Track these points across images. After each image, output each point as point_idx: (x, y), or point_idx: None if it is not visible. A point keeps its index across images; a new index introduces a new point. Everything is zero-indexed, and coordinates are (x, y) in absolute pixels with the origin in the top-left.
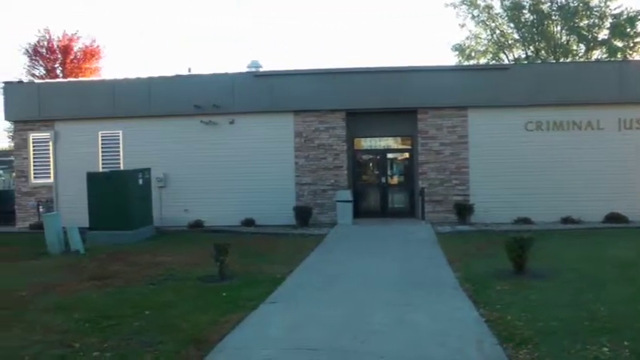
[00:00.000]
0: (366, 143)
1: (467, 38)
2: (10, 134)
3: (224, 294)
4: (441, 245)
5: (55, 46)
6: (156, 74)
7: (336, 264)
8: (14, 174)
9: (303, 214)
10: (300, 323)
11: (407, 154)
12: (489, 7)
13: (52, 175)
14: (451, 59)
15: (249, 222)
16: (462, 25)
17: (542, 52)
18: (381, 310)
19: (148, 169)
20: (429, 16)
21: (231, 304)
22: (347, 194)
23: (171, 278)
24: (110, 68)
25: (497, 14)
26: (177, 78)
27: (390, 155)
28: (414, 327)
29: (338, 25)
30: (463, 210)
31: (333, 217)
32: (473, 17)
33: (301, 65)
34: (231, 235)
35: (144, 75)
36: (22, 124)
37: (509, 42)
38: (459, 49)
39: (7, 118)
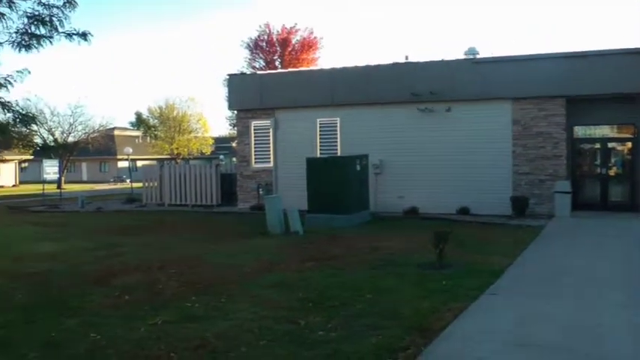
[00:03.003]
0: (586, 132)
1: None
2: (232, 122)
3: (444, 282)
4: None
5: (275, 40)
6: (373, 63)
7: (556, 258)
8: (234, 159)
9: (519, 205)
10: (523, 318)
11: (629, 144)
12: None
13: (271, 159)
14: None
15: (464, 210)
16: None
17: None
18: (609, 311)
19: (366, 156)
20: None
21: (451, 293)
22: (566, 185)
23: (390, 264)
24: (327, 58)
25: None
26: (395, 66)
27: (610, 145)
28: None
29: (559, 8)
30: None
31: (550, 209)
32: None
33: (519, 51)
34: (446, 223)
35: (362, 64)
36: (244, 112)
37: None
38: None
39: (230, 107)
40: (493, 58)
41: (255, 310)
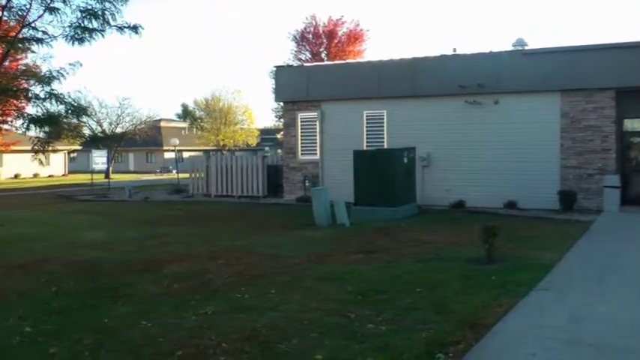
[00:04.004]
0: (636, 125)
1: None
2: (278, 114)
3: (493, 277)
4: None
5: (321, 32)
6: (420, 55)
7: (606, 254)
8: (279, 150)
9: (567, 199)
10: (575, 315)
11: None
12: None
13: (317, 151)
14: None
15: (511, 204)
16: None
17: None
18: None
19: (413, 148)
20: None
21: (501, 288)
22: (615, 179)
23: (437, 257)
24: (373, 51)
25: None
26: (442, 58)
27: None
28: None
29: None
30: None
31: (599, 204)
32: None
33: (568, 42)
34: (493, 217)
35: (408, 56)
36: (291, 104)
37: None
38: None
39: (277, 99)
40: (542, 49)
41: (305, 301)
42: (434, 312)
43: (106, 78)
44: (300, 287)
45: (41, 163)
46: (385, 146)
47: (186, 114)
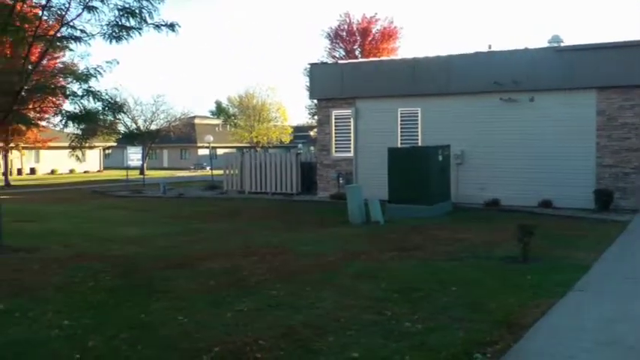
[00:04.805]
0: None
1: None
2: (312, 111)
3: (528, 277)
4: None
5: (355, 29)
6: (455, 52)
7: None
8: (312, 147)
9: (603, 198)
10: (614, 316)
11: None
12: None
13: (351, 149)
14: None
15: (546, 203)
16: None
17: None
18: None
19: (448, 146)
20: None
21: (537, 288)
22: None
23: (472, 256)
24: (406, 48)
25: None
26: (477, 55)
27: None
28: None
29: None
30: None
31: (635, 203)
32: None
33: (604, 38)
34: (528, 216)
35: (443, 53)
36: (325, 101)
37: None
38: None
39: (311, 96)
40: (577, 45)
41: (340, 299)
42: (470, 311)
43: (141, 75)
44: (335, 284)
45: (78, 159)
46: (419, 144)
47: (219, 111)
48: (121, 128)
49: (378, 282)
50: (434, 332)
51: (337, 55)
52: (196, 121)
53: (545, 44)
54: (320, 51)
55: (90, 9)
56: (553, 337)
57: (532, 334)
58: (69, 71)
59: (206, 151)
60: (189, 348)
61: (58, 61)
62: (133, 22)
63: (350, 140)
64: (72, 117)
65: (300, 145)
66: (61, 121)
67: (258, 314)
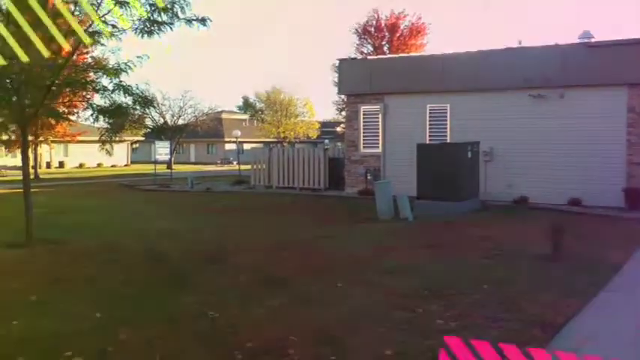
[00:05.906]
0: None
1: None
2: (339, 107)
3: (560, 276)
4: None
5: (383, 25)
6: (485, 48)
7: None
8: (339, 143)
9: (633, 197)
10: None
11: None
12: None
13: (380, 145)
14: None
15: (575, 201)
16: None
17: None
18: None
19: (477, 143)
20: None
21: (569, 287)
22: None
23: (503, 254)
24: (434, 44)
25: None
26: (507, 51)
27: None
28: None
29: None
30: None
31: None
32: None
33: (635, 34)
34: (557, 214)
35: (473, 49)
36: (353, 97)
37: None
38: None
39: (340, 92)
40: (608, 41)
41: (371, 295)
42: (502, 309)
43: (169, 70)
44: (365, 281)
45: (108, 153)
46: (448, 140)
47: (247, 106)
48: (149, 122)
49: (409, 279)
50: (466, 330)
51: (365, 51)
52: (223, 116)
53: (576, 40)
54: (348, 47)
55: (122, 4)
56: (586, 338)
57: (564, 334)
58: (100, 66)
59: (233, 146)
60: (221, 343)
61: (86, 56)
62: (165, 17)
63: (378, 136)
64: (103, 111)
65: (326, 141)
66: (92, 115)
67: (289, 310)
